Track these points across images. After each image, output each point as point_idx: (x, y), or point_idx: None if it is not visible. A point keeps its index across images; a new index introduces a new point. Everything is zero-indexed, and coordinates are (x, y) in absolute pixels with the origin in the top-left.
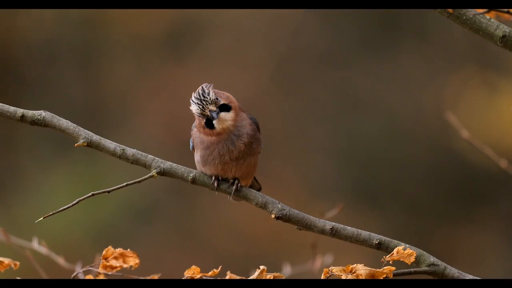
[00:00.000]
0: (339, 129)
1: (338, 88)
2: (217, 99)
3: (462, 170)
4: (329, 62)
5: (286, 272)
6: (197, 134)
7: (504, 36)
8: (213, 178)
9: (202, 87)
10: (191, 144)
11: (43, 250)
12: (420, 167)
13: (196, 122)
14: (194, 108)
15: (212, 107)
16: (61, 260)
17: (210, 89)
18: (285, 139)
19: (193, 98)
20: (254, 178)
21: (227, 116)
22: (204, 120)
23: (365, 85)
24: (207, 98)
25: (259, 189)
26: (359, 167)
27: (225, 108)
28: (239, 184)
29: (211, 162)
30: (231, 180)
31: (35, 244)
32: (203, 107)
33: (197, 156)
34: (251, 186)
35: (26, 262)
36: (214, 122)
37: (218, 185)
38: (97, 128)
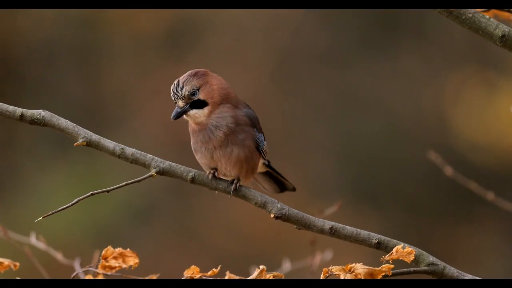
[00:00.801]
0: (339, 128)
1: (338, 88)
2: (193, 94)
3: (462, 169)
4: (329, 62)
5: (286, 268)
6: None
7: (503, 36)
8: (208, 171)
9: (179, 80)
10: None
11: (41, 245)
12: (420, 167)
13: None
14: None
15: (181, 103)
16: (59, 256)
17: (186, 83)
18: (285, 139)
19: (172, 86)
20: (284, 177)
21: (198, 113)
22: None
23: (365, 85)
24: (178, 93)
25: (293, 189)
26: (359, 167)
27: (199, 104)
28: (238, 184)
29: (199, 150)
30: (230, 180)
31: (33, 240)
32: (174, 100)
33: (191, 143)
34: (283, 186)
35: (24, 258)
36: (184, 116)
37: (214, 176)
38: (97, 127)
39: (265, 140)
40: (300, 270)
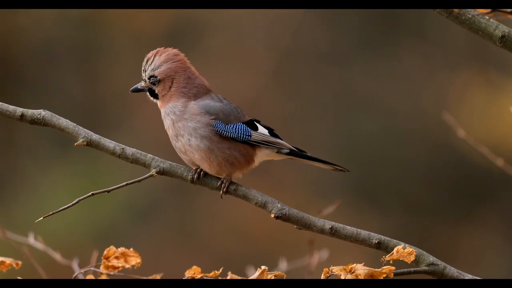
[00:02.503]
0: (339, 128)
1: (338, 88)
2: (153, 84)
3: (462, 169)
4: (329, 61)
5: (282, 267)
6: None
7: (503, 36)
8: (193, 170)
9: (154, 56)
10: None
11: (40, 245)
12: (420, 166)
13: None
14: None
15: (143, 83)
16: (57, 256)
17: (149, 65)
18: (285, 138)
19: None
20: (326, 161)
21: (153, 99)
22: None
23: (365, 85)
24: (142, 72)
25: (346, 170)
26: (359, 166)
27: (154, 94)
28: (226, 184)
29: (170, 139)
30: (221, 179)
31: (31, 240)
32: (142, 72)
33: None
34: (334, 167)
35: (23, 258)
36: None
37: (198, 178)
38: (97, 127)
39: (254, 130)
40: (298, 270)
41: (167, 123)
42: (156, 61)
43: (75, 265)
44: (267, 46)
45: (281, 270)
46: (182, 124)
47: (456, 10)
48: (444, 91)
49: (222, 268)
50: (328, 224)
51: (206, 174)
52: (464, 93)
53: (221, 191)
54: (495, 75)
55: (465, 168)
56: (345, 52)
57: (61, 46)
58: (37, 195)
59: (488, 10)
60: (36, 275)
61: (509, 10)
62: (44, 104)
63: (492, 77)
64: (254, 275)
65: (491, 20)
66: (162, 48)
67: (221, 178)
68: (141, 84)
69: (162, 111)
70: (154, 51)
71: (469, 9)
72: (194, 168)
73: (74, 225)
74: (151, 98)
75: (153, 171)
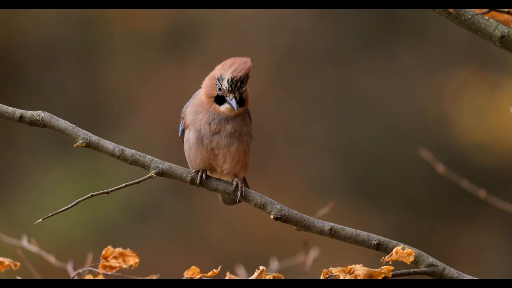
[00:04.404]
0: (340, 128)
1: (338, 88)
2: (241, 91)
3: (462, 169)
4: (329, 61)
5: (273, 267)
6: (196, 103)
7: (502, 37)
8: (199, 172)
9: (240, 77)
10: (180, 129)
11: (34, 248)
12: (420, 166)
13: (208, 87)
14: (224, 83)
15: (237, 95)
16: (52, 259)
17: (246, 79)
18: (285, 138)
19: (229, 73)
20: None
21: (237, 109)
22: (217, 95)
23: (365, 85)
24: (240, 87)
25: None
26: (359, 167)
27: (241, 102)
28: (243, 187)
29: (198, 130)
30: (235, 184)
31: (25, 243)
32: (232, 89)
33: (186, 136)
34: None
35: (18, 261)
36: (226, 105)
37: (200, 182)
38: (97, 127)
39: None
40: (292, 270)
41: (226, 125)
42: (248, 73)
43: (69, 268)
44: (267, 46)
45: (273, 270)
46: (238, 131)
47: (451, 10)
48: (443, 90)
49: (220, 266)
50: (327, 225)
51: (208, 176)
52: (464, 93)
53: (238, 195)
54: (494, 75)
55: (465, 168)
56: (345, 52)
57: (61, 46)
58: (37, 194)
59: (486, 10)
60: (31, 278)
61: (506, 10)
62: (44, 104)
63: (491, 77)
64: (253, 275)
65: (491, 20)
66: (238, 58)
67: (233, 182)
68: (236, 97)
69: (220, 114)
70: (237, 61)
71: (468, 9)
72: (193, 170)
73: (74, 225)
74: (236, 106)
75: (152, 173)
